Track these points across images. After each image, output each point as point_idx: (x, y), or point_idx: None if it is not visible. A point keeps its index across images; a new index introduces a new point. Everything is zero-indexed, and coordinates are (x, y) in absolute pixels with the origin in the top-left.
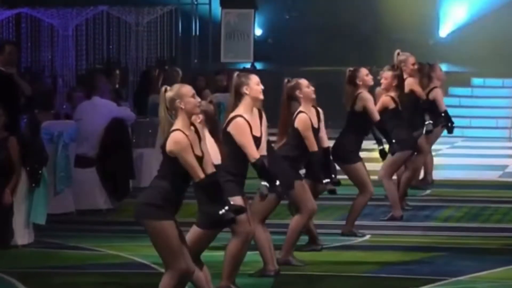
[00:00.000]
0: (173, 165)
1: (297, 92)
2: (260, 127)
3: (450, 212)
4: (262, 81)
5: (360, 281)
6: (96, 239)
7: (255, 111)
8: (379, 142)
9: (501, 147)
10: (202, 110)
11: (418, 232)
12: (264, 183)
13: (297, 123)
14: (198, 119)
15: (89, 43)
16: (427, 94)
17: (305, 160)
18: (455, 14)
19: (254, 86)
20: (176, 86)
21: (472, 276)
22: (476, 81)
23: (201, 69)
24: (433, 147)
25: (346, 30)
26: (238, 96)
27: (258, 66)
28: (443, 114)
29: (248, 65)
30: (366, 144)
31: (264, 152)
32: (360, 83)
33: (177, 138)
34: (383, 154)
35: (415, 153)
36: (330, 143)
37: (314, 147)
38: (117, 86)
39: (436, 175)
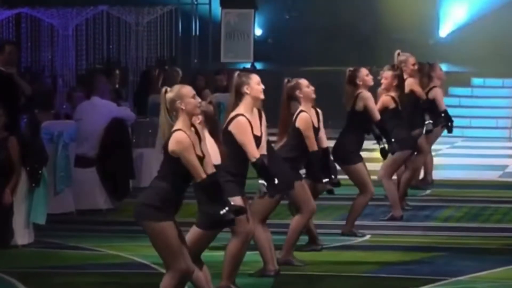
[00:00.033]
0: (174, 165)
1: (297, 92)
2: (260, 127)
3: (450, 212)
4: (262, 81)
5: (360, 281)
6: (96, 239)
7: (255, 111)
8: (379, 141)
9: (501, 147)
10: (201, 111)
11: (418, 232)
12: (262, 182)
13: (299, 123)
14: (197, 119)
15: (89, 43)
16: (427, 93)
17: (305, 160)
18: (455, 14)
19: (255, 85)
20: (177, 87)
21: (472, 276)
22: (476, 81)
23: (201, 69)
24: (433, 147)
25: (346, 30)
26: (239, 96)
27: (258, 66)
28: (443, 114)
29: (248, 65)
30: (366, 144)
31: (264, 152)
32: (360, 83)
33: (179, 137)
34: (384, 152)
35: (415, 153)
36: (330, 143)
37: (314, 147)
38: (117, 86)
39: (436, 175)
